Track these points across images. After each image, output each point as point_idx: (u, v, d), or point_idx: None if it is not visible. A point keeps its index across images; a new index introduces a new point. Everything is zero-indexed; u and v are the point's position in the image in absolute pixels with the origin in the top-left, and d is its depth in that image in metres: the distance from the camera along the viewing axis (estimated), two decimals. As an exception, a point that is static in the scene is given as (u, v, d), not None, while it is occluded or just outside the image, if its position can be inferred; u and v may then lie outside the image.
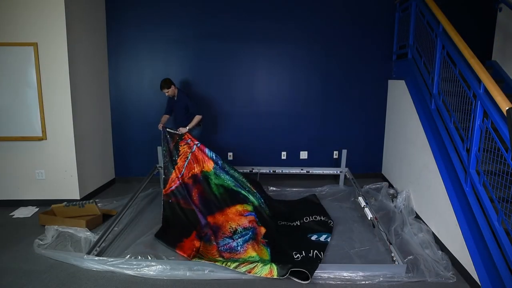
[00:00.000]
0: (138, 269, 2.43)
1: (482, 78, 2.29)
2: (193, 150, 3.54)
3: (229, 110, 4.51)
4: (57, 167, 3.59)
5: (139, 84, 4.39)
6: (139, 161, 4.51)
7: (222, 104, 4.49)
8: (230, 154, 4.60)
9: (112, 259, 2.49)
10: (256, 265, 2.45)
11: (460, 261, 2.51)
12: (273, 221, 3.27)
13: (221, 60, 4.40)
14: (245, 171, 4.33)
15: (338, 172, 4.39)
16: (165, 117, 3.94)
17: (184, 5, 4.25)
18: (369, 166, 4.71)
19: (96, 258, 2.51)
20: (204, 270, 2.42)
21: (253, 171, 4.32)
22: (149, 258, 2.56)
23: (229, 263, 2.48)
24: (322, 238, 2.96)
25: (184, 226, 3.05)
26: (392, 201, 3.63)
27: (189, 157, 3.50)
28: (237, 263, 2.48)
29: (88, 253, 2.55)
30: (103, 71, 4.25)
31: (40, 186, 3.63)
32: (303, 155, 4.67)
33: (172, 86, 3.74)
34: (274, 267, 2.42)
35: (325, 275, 2.39)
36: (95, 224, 3.18)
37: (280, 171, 4.35)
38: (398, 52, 4.23)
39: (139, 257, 2.57)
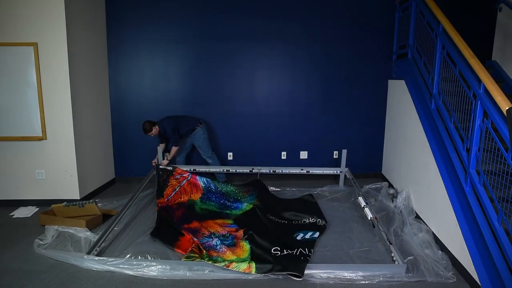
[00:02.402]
0: (138, 269, 2.43)
1: (482, 78, 2.29)
2: (182, 184, 3.76)
3: (229, 110, 4.51)
4: (57, 167, 3.59)
5: (139, 84, 4.39)
6: (139, 161, 4.51)
7: (222, 104, 4.49)
8: (230, 154, 4.60)
9: (112, 259, 2.49)
10: (234, 263, 2.48)
11: (460, 261, 2.51)
12: (262, 213, 3.33)
13: (221, 60, 4.40)
14: (245, 171, 4.33)
15: (338, 172, 4.39)
16: (162, 146, 4.28)
17: (184, 5, 4.26)
18: (369, 166, 4.71)
19: (96, 258, 2.51)
20: (204, 270, 2.42)
21: (253, 171, 4.32)
22: (149, 258, 2.56)
23: (207, 259, 2.51)
24: (308, 236, 2.96)
25: (176, 228, 3.06)
26: (392, 201, 3.63)
27: (177, 189, 3.70)
28: (213, 260, 2.50)
29: (88, 253, 2.55)
30: (103, 71, 4.25)
31: (40, 186, 3.63)
32: (303, 155, 4.67)
33: (153, 127, 4.00)
34: (253, 263, 2.45)
35: (324, 275, 2.39)
36: (95, 224, 3.18)
37: (280, 171, 4.34)
38: (398, 52, 4.23)
39: (139, 257, 2.57)
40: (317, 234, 2.97)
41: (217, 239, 2.85)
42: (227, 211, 3.50)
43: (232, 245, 2.81)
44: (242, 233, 2.98)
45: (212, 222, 3.19)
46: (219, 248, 2.73)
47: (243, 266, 2.43)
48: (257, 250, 2.67)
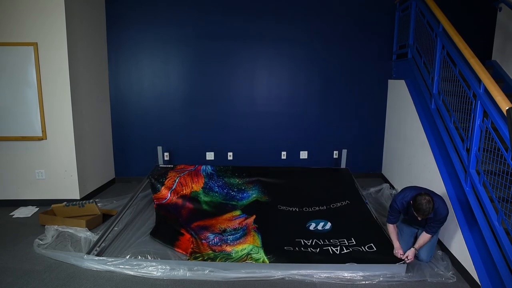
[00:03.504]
0: (138, 269, 2.42)
1: (482, 78, 2.29)
2: (182, 174, 3.75)
3: (229, 110, 4.51)
4: (57, 167, 3.59)
5: (139, 84, 4.39)
6: (139, 161, 4.51)
7: (222, 104, 4.49)
8: (230, 154, 4.60)
9: (112, 259, 2.49)
10: (251, 256, 2.54)
11: (460, 261, 2.51)
12: (272, 206, 3.40)
13: (221, 60, 4.39)
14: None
15: (338, 172, 4.38)
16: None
17: (184, 5, 4.25)
18: (369, 166, 4.71)
19: (96, 258, 2.51)
20: (204, 270, 2.41)
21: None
22: (149, 258, 2.56)
23: (220, 258, 2.53)
24: (320, 227, 3.00)
25: (175, 228, 3.05)
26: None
27: (177, 180, 3.67)
28: (232, 260, 2.54)
29: (88, 253, 2.55)
30: (103, 71, 4.25)
31: (40, 186, 3.63)
32: (303, 155, 4.66)
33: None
34: (266, 260, 2.50)
35: (324, 275, 2.39)
36: (95, 224, 3.18)
37: (280, 171, 4.33)
38: (398, 52, 4.23)
39: (139, 257, 2.57)
40: (328, 225, 3.02)
41: (229, 236, 2.88)
42: (233, 202, 3.52)
43: (243, 235, 2.86)
44: (253, 220, 3.02)
45: (221, 219, 3.21)
46: (230, 242, 2.78)
47: (259, 260, 2.50)
48: (268, 243, 2.72)
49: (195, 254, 2.61)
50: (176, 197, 3.53)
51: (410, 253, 2.45)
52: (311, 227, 3.01)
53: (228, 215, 3.28)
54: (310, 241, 2.76)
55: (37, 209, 3.55)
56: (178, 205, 3.40)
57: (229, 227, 3.06)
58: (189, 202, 3.47)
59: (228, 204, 3.49)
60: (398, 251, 2.50)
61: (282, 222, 3.13)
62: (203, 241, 2.81)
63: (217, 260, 2.53)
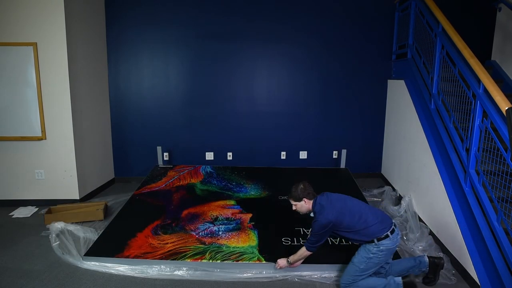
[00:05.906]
0: (138, 269, 2.42)
1: (481, 78, 2.29)
2: (180, 174, 3.84)
3: (229, 109, 4.50)
4: (56, 167, 3.59)
5: (139, 84, 4.39)
6: (138, 161, 4.51)
7: (222, 104, 4.49)
8: (229, 154, 4.60)
9: (111, 259, 2.49)
10: (244, 257, 2.51)
11: (459, 261, 2.51)
12: (273, 198, 3.43)
13: (221, 60, 4.39)
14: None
15: (338, 172, 4.38)
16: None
17: (184, 5, 4.25)
18: (368, 166, 4.71)
19: (96, 257, 2.51)
20: (205, 270, 2.41)
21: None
22: (149, 258, 2.56)
23: (217, 257, 2.49)
24: None
25: (138, 220, 2.99)
26: (394, 204, 3.61)
27: (176, 177, 3.77)
28: (222, 254, 2.52)
29: (88, 253, 2.55)
30: (103, 71, 4.25)
31: (39, 186, 3.62)
32: (303, 155, 4.66)
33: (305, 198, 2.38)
34: (262, 258, 2.49)
35: (324, 275, 2.39)
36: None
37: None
38: (397, 52, 4.23)
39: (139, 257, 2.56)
40: None
41: (221, 226, 2.87)
42: (229, 193, 3.54)
43: (236, 229, 2.84)
44: (249, 219, 3.01)
45: (214, 205, 3.22)
46: (222, 233, 2.76)
47: (253, 260, 2.47)
48: (265, 240, 2.70)
49: (181, 255, 2.51)
50: (171, 186, 3.61)
51: (280, 261, 2.35)
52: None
53: (221, 202, 3.30)
54: (310, 230, 2.78)
55: (37, 209, 3.55)
56: (171, 192, 3.47)
57: (221, 215, 3.07)
58: (183, 189, 3.53)
59: (224, 193, 3.52)
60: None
61: (282, 211, 3.14)
62: (192, 233, 2.79)
63: (207, 253, 2.52)
